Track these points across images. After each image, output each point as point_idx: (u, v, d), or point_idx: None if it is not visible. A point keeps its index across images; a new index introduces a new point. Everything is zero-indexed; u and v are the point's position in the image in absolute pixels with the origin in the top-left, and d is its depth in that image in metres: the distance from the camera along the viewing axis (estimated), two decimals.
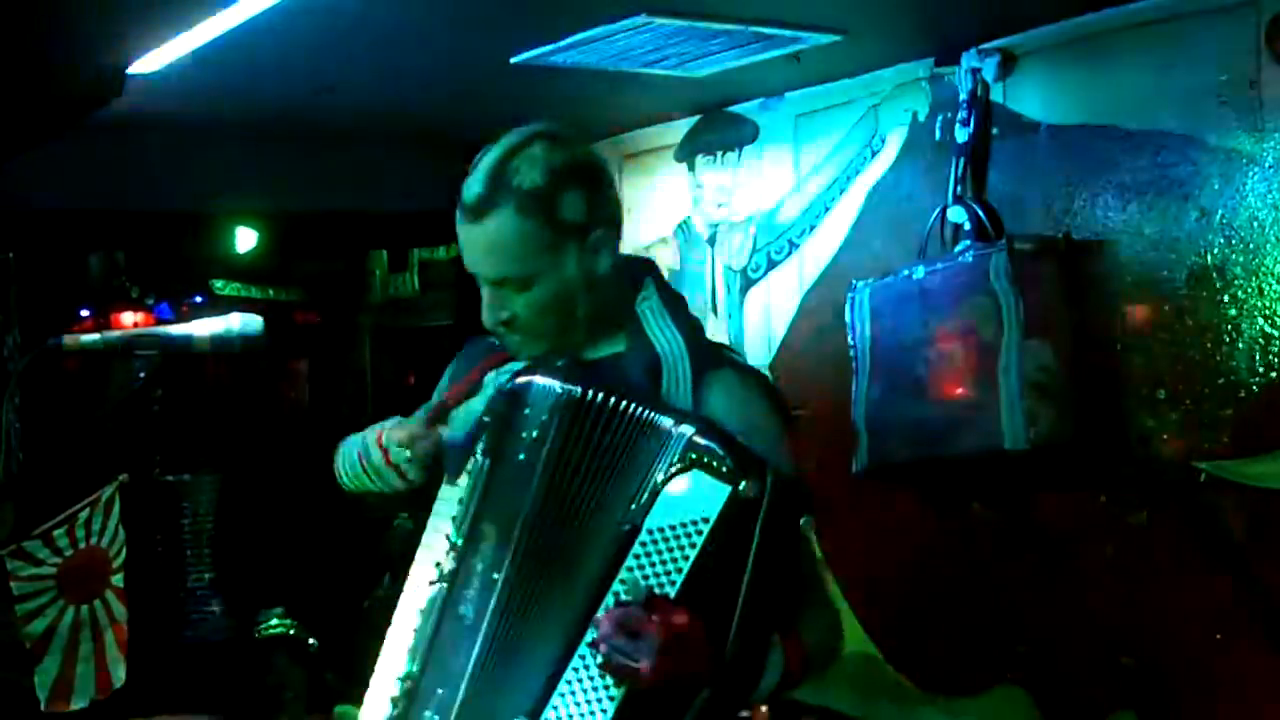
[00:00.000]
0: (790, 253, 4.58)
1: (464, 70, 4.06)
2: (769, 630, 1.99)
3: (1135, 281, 3.57)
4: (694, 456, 1.91)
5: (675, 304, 2.25)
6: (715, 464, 1.90)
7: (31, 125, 3.58)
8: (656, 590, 1.90)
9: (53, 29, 2.77)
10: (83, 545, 3.88)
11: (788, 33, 3.69)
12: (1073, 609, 3.71)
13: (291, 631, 4.96)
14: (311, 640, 5.04)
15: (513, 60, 3.92)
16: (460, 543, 2.05)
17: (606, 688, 1.92)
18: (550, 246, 2.09)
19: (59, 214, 5.47)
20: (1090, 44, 3.67)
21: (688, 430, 1.94)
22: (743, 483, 1.88)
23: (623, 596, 1.92)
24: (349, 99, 4.43)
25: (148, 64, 3.47)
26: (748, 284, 4.75)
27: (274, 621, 4.98)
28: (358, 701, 2.17)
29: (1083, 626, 3.69)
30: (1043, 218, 3.75)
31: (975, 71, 3.85)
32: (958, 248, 3.86)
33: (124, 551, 3.97)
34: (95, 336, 2.21)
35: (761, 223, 4.69)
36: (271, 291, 7.36)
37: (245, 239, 6.40)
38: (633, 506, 1.94)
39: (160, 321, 7.17)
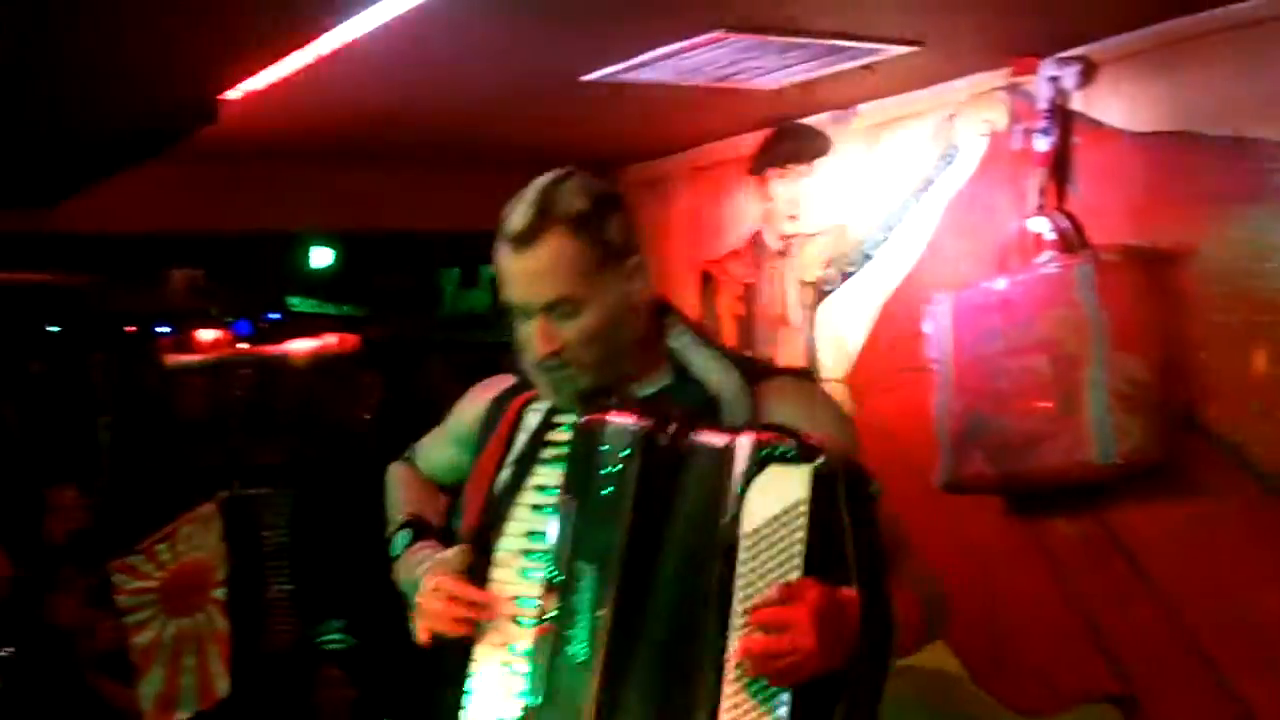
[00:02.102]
0: (865, 265, 4.54)
1: (535, 89, 4.06)
2: (885, 586, 2.01)
3: (1224, 291, 3.50)
4: (764, 454, 1.96)
5: (706, 334, 2.32)
6: (786, 453, 1.95)
7: (125, 151, 3.64)
8: (782, 580, 1.91)
9: (150, 57, 2.80)
10: (186, 559, 3.93)
11: (864, 45, 3.66)
12: (1161, 624, 3.65)
13: (347, 646, 4.97)
14: (367, 653, 5.05)
15: (583, 78, 3.91)
16: (559, 584, 2.04)
17: (771, 695, 1.91)
18: (598, 269, 2.15)
19: (142, 236, 5.56)
20: (1173, 50, 3.61)
21: (747, 436, 1.99)
22: (817, 459, 1.93)
23: (747, 604, 1.92)
24: (422, 121, 4.46)
25: (236, 91, 3.51)
26: (821, 297, 4.72)
27: (333, 635, 5.00)
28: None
29: (1172, 642, 3.62)
30: (1127, 227, 3.69)
31: (1055, 80, 3.80)
32: (1040, 259, 3.81)
33: (225, 565, 4.02)
34: (195, 357, 2.22)
35: (835, 235, 4.65)
36: (345, 308, 7.43)
37: (321, 257, 6.46)
38: (723, 522, 1.95)
39: (238, 338, 7.27)
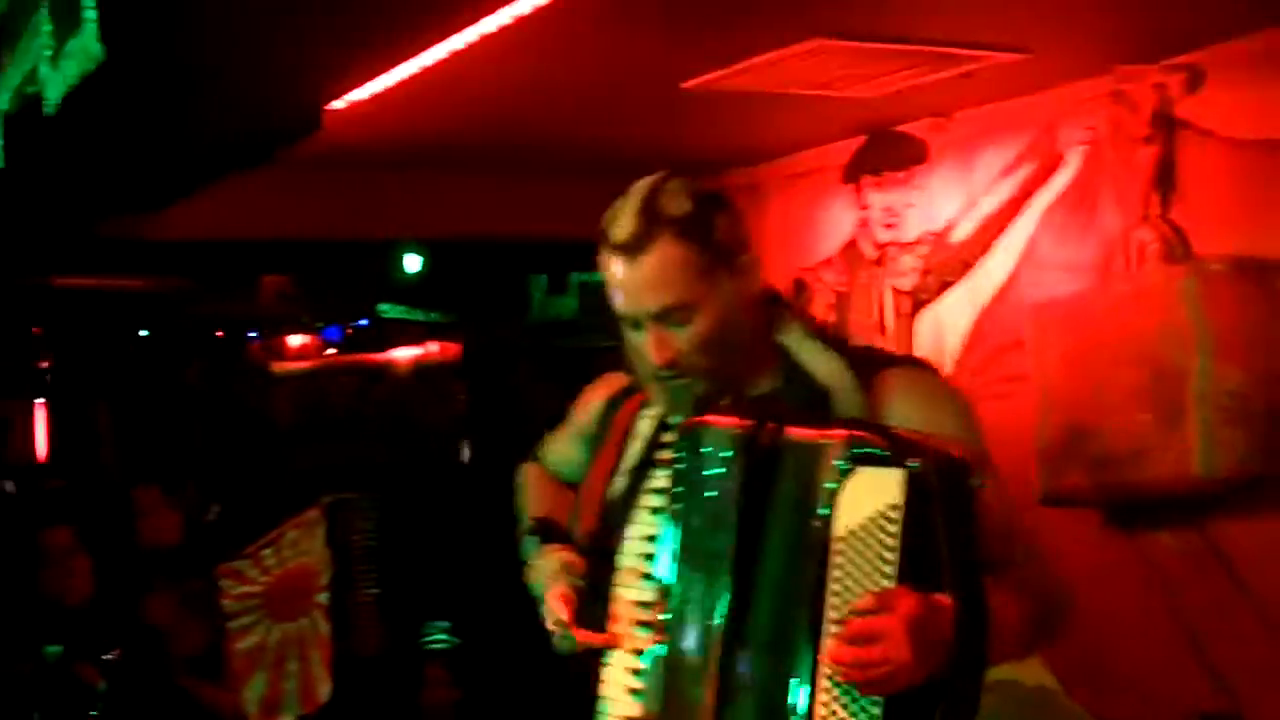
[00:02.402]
0: (963, 274, 4.49)
1: (635, 96, 4.07)
2: (982, 591, 1.95)
3: None
4: (859, 452, 1.90)
5: (817, 327, 2.24)
6: (878, 453, 1.90)
7: (231, 159, 3.69)
8: (874, 586, 1.87)
9: (262, 66, 2.84)
10: (290, 564, 3.97)
11: (966, 51, 3.62)
12: (1264, 640, 3.58)
13: (451, 648, 4.99)
14: (472, 653, 5.07)
15: (684, 85, 3.91)
16: (670, 592, 2.03)
17: (864, 704, 1.89)
18: (709, 272, 2.09)
19: (235, 243, 5.64)
20: None
21: (840, 433, 1.94)
22: (911, 461, 1.87)
23: (839, 609, 1.89)
24: (520, 128, 4.48)
25: (341, 101, 3.55)
26: (918, 305, 4.68)
27: (436, 636, 5.02)
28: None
29: (1276, 658, 3.55)
30: (1232, 237, 3.63)
31: (1160, 87, 3.74)
32: (1144, 269, 3.76)
33: (329, 571, 4.06)
34: (303, 364, 2.24)
35: (933, 244, 4.62)
36: (434, 315, 7.48)
37: (411, 264, 6.51)
38: (815, 523, 1.91)
39: (327, 344, 7.34)
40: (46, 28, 2.56)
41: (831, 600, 1.89)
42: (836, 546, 1.89)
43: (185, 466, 6.47)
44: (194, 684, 4.29)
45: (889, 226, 4.78)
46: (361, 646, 5.69)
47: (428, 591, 5.82)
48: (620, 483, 2.20)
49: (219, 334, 7.57)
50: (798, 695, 1.90)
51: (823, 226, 5.07)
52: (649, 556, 2.08)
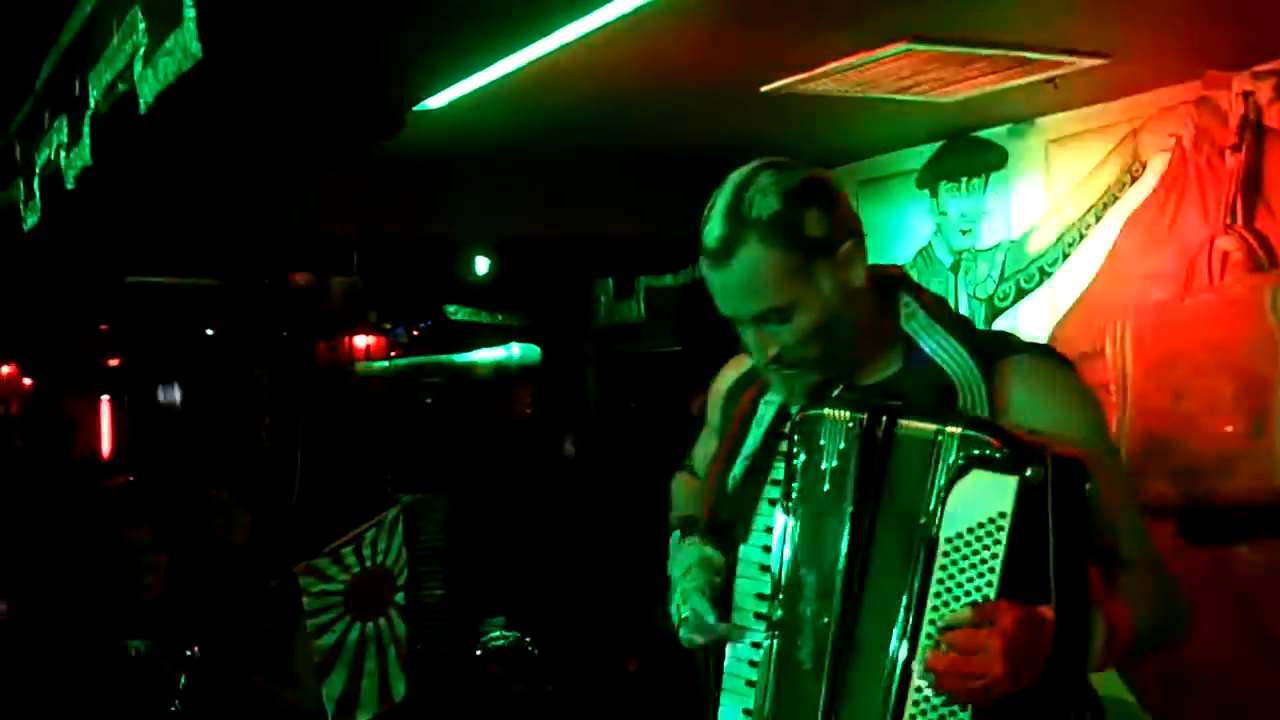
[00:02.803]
0: (1041, 281, 4.45)
1: (715, 98, 4.05)
2: (1086, 601, 1.92)
3: None
4: (974, 453, 1.87)
5: (941, 311, 2.17)
6: (994, 456, 1.86)
7: (314, 159, 3.71)
8: (975, 595, 1.85)
9: (349, 67, 2.86)
10: (369, 564, 3.97)
11: (1050, 57, 3.58)
12: None
13: (511, 642, 4.99)
14: (533, 649, 5.07)
15: (764, 88, 3.89)
16: (784, 586, 2.03)
17: (952, 712, 1.88)
18: (803, 270, 2.03)
19: (305, 242, 5.67)
20: None
21: (955, 429, 1.90)
22: (1028, 470, 1.84)
23: (941, 616, 1.87)
24: (599, 130, 4.47)
25: (424, 104, 3.56)
26: (994, 313, 4.64)
27: (495, 633, 5.02)
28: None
29: None
30: None
31: (1248, 95, 3.69)
32: (1228, 278, 3.71)
33: (406, 571, 4.06)
34: (386, 364, 2.24)
35: (1010, 251, 4.58)
36: (500, 317, 7.49)
37: (482, 265, 6.52)
38: (922, 520, 1.90)
39: (394, 344, 7.36)
40: (142, 25, 2.57)
41: (933, 602, 1.88)
42: (941, 549, 1.88)
43: (255, 466, 6.52)
44: (261, 681, 4.31)
45: (966, 233, 4.75)
46: (428, 646, 5.71)
47: (491, 591, 5.82)
48: (739, 468, 2.18)
49: (285, 333, 7.60)
50: (890, 694, 1.89)
51: (896, 232, 5.03)
52: (768, 549, 2.07)
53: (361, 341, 7.46)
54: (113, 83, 2.79)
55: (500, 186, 5.40)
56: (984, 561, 1.86)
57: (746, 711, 2.07)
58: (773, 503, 2.08)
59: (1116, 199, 4.17)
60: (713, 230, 2.05)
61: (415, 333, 7.75)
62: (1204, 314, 3.71)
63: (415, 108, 3.44)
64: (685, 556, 2.21)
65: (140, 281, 6.23)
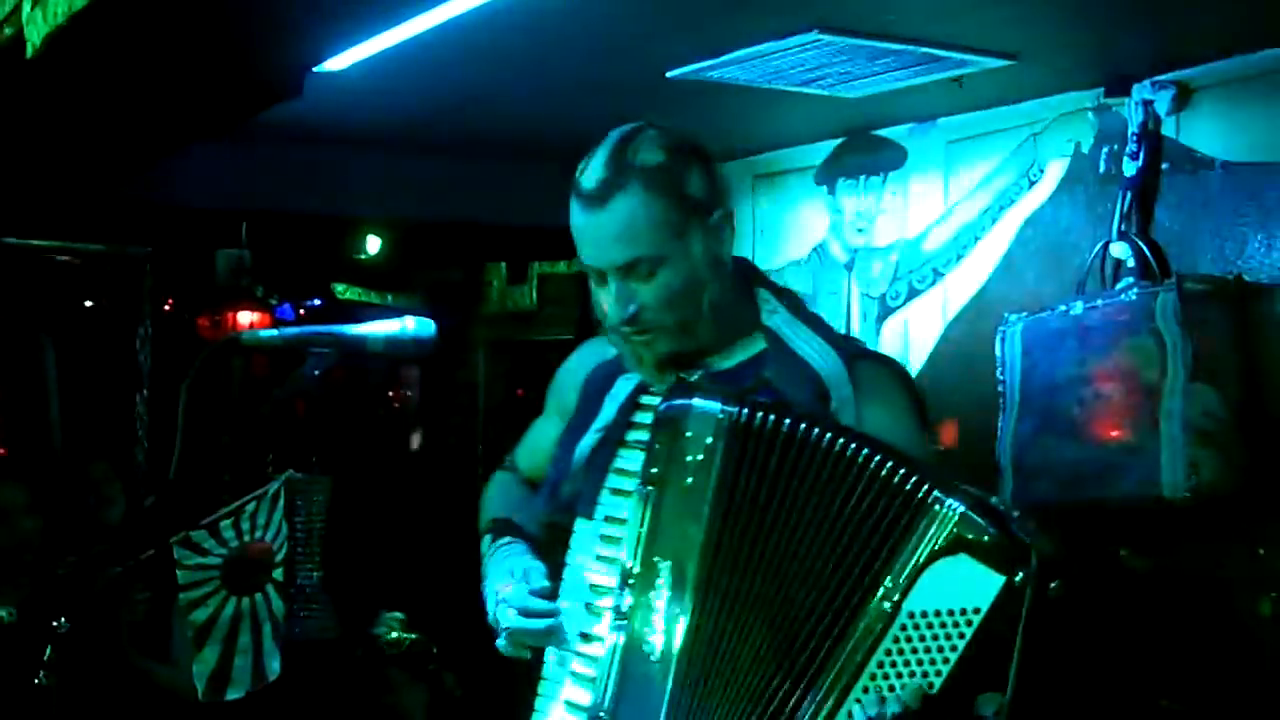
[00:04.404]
0: (934, 281, 4.47)
1: (617, 83, 4.01)
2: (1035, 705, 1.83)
3: None
4: (967, 536, 1.75)
5: (799, 308, 2.16)
6: (988, 546, 1.74)
7: (207, 122, 3.60)
8: (920, 680, 1.75)
9: (243, 27, 2.76)
10: (248, 538, 3.88)
11: (957, 55, 3.59)
12: (1224, 666, 3.57)
13: (410, 643, 4.88)
14: (433, 648, 4.97)
15: (669, 74, 3.86)
16: (635, 575, 1.94)
17: None
18: (677, 225, 2.02)
19: (191, 212, 5.53)
20: (1272, 80, 3.55)
21: (957, 507, 1.77)
22: (1017, 573, 1.72)
23: (878, 688, 1.77)
24: (497, 110, 4.41)
25: (320, 67, 3.48)
26: (886, 312, 4.65)
27: (394, 635, 4.90)
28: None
29: (1234, 685, 3.54)
30: (1213, 258, 3.63)
31: (1148, 104, 3.73)
32: (1120, 285, 3.74)
33: (285, 547, 3.97)
34: (274, 333, 2.16)
35: (905, 250, 4.59)
36: (390, 298, 7.38)
37: (373, 245, 6.42)
38: (887, 583, 1.78)
39: (279, 322, 7.21)
40: None
41: (873, 670, 1.78)
42: (900, 619, 1.77)
43: (134, 439, 6.34)
44: (140, 657, 4.20)
45: (861, 231, 4.76)
46: (305, 630, 5.59)
47: (379, 581, 5.72)
48: (588, 441, 2.11)
49: (168, 305, 7.40)
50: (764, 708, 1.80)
51: (791, 228, 5.03)
52: (610, 539, 1.99)
53: (246, 317, 7.30)
54: (1, 23, 2.68)
55: (395, 166, 5.32)
56: (940, 650, 1.76)
57: (568, 703, 1.99)
58: (619, 492, 2.00)
59: (1013, 202, 4.20)
60: (592, 174, 2.02)
61: (302, 311, 7.61)
62: (1095, 320, 3.73)
63: (314, 69, 3.35)
64: (499, 563, 2.15)
65: (15, 244, 6.03)
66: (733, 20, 3.39)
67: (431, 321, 2.37)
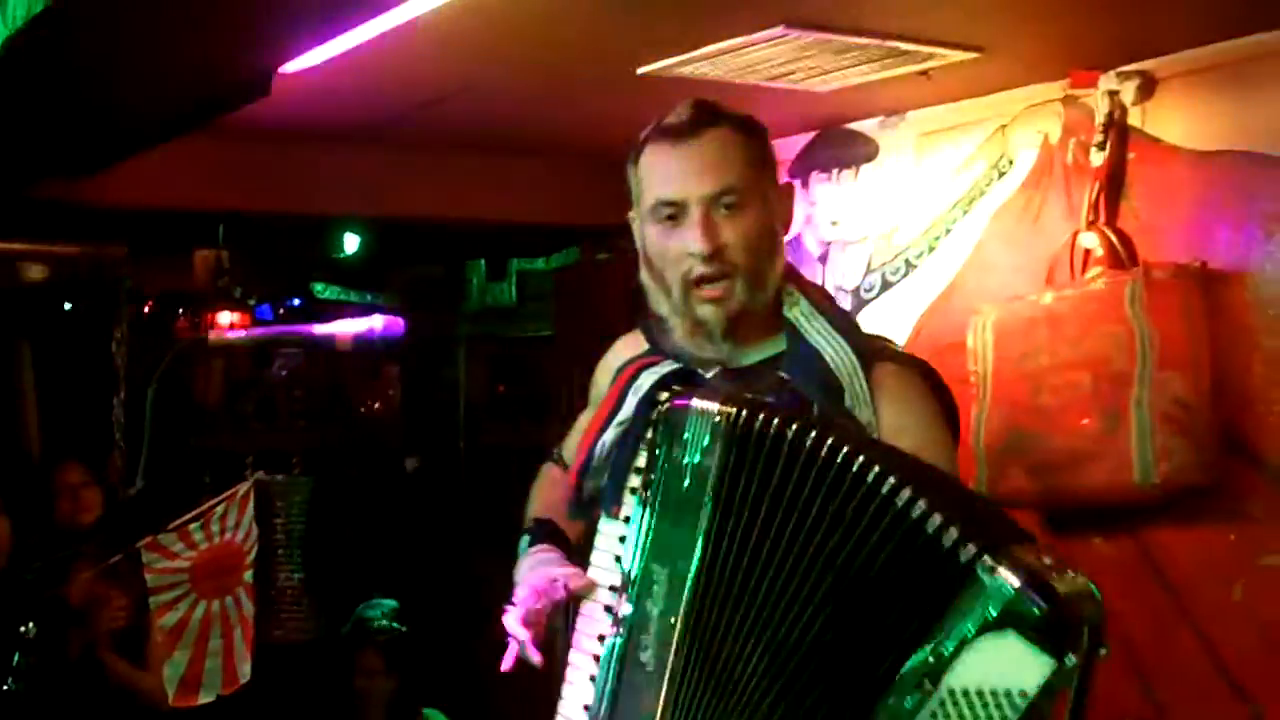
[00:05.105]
0: (907, 274, 4.49)
1: (589, 80, 4.02)
2: None
3: (1277, 315, 3.45)
4: (1017, 612, 1.59)
5: (825, 303, 2.14)
6: (1039, 628, 1.59)
7: (175, 121, 3.59)
8: None
9: (210, 25, 2.76)
10: (217, 540, 3.88)
11: (924, 48, 3.61)
12: (1197, 652, 3.60)
13: (394, 633, 4.86)
14: (414, 644, 4.96)
15: (640, 70, 3.87)
16: (633, 582, 1.91)
17: None
18: (759, 169, 2.10)
19: (169, 212, 5.52)
20: (1236, 69, 3.57)
21: (1013, 582, 1.60)
22: (1068, 656, 1.59)
23: None
24: (469, 107, 4.41)
25: (289, 66, 3.47)
26: (860, 304, 4.67)
27: (382, 620, 4.88)
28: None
29: (1205, 669, 3.57)
30: (1180, 246, 3.65)
31: (1114, 94, 3.75)
32: (1089, 274, 3.77)
33: (256, 548, 3.96)
34: (241, 334, 2.17)
35: (877, 242, 4.61)
36: (369, 296, 7.38)
37: (350, 244, 6.42)
38: (927, 654, 1.64)
39: (258, 322, 7.21)
40: None
41: None
42: (941, 694, 1.63)
43: (109, 442, 6.33)
44: (113, 660, 4.20)
45: (834, 224, 4.77)
46: (285, 631, 5.59)
47: (356, 579, 5.72)
48: (609, 435, 2.07)
49: (148, 307, 7.40)
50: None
51: None
52: (624, 539, 1.95)
53: (225, 318, 7.29)
54: None
55: (373, 164, 5.31)
56: None
57: (585, 706, 1.96)
58: (632, 491, 1.95)
59: (984, 193, 4.22)
60: (681, 114, 2.10)
61: (281, 311, 7.60)
62: (1065, 309, 3.76)
63: (283, 68, 3.35)
64: (529, 566, 2.11)
65: None
66: (702, 17, 3.40)
67: (400, 319, 2.38)
